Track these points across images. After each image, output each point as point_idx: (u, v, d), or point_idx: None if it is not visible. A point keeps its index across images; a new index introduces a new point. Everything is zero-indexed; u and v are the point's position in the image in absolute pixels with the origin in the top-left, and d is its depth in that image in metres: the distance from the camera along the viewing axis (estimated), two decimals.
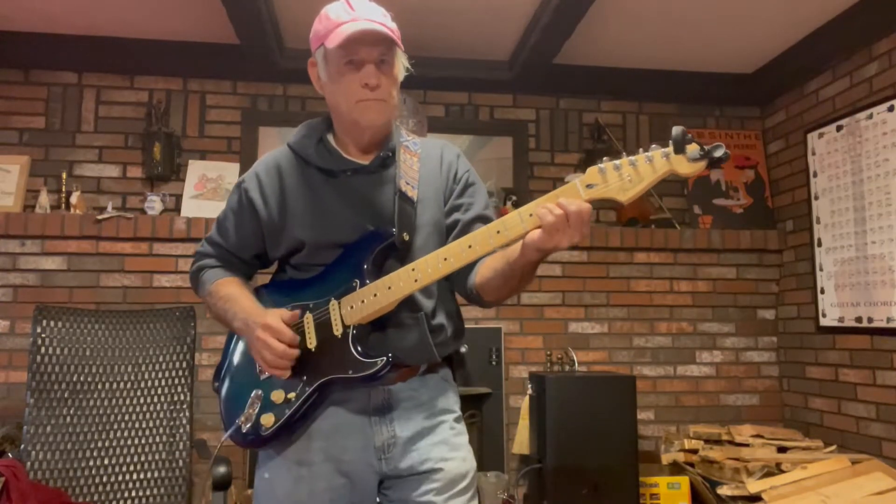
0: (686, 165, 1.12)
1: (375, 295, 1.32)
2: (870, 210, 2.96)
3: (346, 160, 1.45)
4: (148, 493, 2.42)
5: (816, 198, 3.28)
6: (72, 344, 2.53)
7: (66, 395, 2.46)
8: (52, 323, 2.52)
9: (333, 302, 1.36)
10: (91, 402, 2.48)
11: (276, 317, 1.34)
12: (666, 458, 3.12)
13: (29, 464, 2.34)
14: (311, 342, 1.37)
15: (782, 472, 2.72)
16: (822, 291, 3.22)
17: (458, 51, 3.25)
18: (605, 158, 1.18)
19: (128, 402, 2.52)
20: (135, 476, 2.43)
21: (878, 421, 2.91)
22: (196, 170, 3.30)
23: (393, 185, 1.42)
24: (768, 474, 2.71)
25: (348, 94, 1.37)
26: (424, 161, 1.48)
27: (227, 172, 3.32)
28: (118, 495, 2.40)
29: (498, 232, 1.24)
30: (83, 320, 2.59)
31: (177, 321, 2.65)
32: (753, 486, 2.63)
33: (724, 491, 2.72)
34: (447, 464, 1.38)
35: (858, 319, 3.01)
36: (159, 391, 2.55)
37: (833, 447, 3.00)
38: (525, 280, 1.31)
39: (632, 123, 3.70)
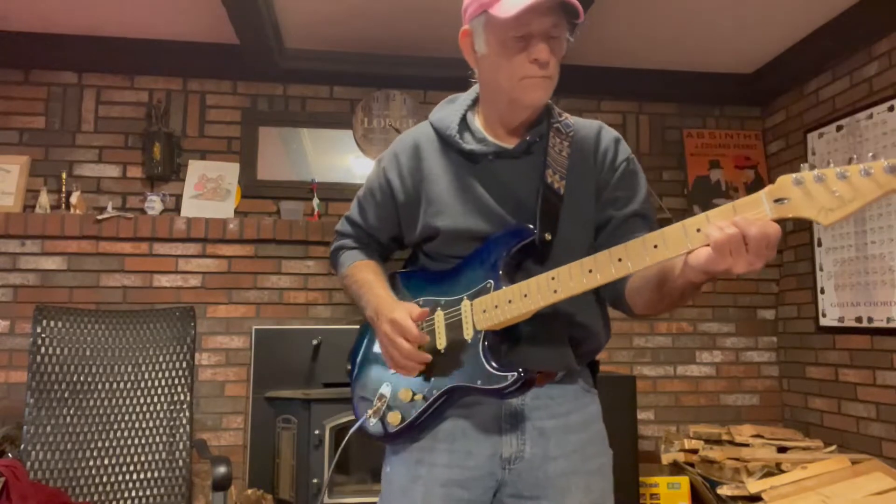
0: None
1: (510, 301, 1.20)
2: (870, 210, 2.96)
3: (489, 142, 1.33)
4: (148, 493, 2.42)
5: None
6: (72, 344, 2.53)
7: (66, 395, 2.46)
8: (52, 323, 2.52)
9: (466, 302, 1.26)
10: (91, 402, 2.48)
11: (405, 312, 1.26)
12: (666, 458, 3.12)
13: (29, 464, 2.34)
14: (441, 343, 1.28)
15: (782, 472, 2.72)
16: (822, 291, 3.22)
17: (459, 51, 3.25)
18: (803, 166, 0.94)
19: (128, 402, 2.52)
20: (135, 476, 2.43)
21: (878, 421, 2.91)
22: (196, 170, 3.30)
23: (538, 175, 1.29)
24: (768, 474, 2.71)
25: (513, 69, 1.24)
26: (577, 145, 1.34)
27: (227, 172, 3.32)
28: (118, 495, 2.40)
29: (655, 247, 1.06)
30: (83, 320, 2.59)
31: (177, 321, 2.65)
32: (753, 486, 2.63)
33: (724, 491, 2.72)
34: (570, 496, 1.27)
35: (858, 319, 3.01)
36: (159, 391, 2.55)
37: (833, 447, 3.00)
38: (685, 299, 1.14)
39: (632, 123, 3.70)
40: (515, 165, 1.32)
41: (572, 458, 1.30)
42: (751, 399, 3.54)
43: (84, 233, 3.09)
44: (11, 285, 3.11)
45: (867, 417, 2.97)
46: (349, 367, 1.46)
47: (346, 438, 1.39)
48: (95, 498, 2.37)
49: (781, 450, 2.98)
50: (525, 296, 1.19)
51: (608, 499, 1.33)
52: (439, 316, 1.30)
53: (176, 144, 3.32)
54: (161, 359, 2.59)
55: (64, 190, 3.16)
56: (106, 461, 2.43)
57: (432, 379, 1.28)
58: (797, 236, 3.44)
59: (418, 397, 1.29)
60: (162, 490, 2.43)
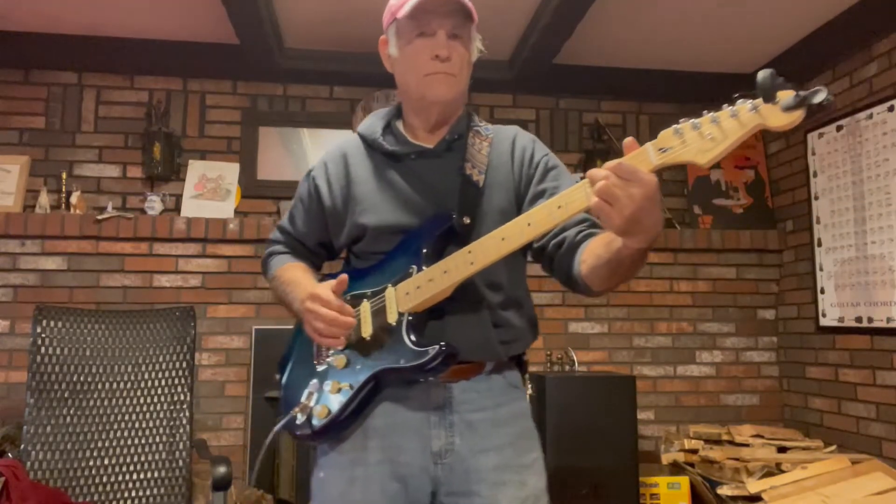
0: (779, 116, 0.92)
1: (431, 280, 1.24)
2: (870, 210, 2.96)
3: (410, 143, 1.41)
4: (148, 493, 2.42)
5: (816, 198, 3.28)
6: (72, 344, 2.53)
7: (66, 395, 2.46)
8: (52, 323, 2.52)
9: (390, 289, 1.30)
10: (91, 402, 2.48)
11: (325, 286, 1.30)
12: (666, 458, 3.12)
13: (29, 464, 2.34)
14: (367, 331, 1.30)
15: (782, 472, 2.72)
16: (822, 291, 3.22)
17: None
18: (681, 120, 1.02)
19: (128, 402, 2.52)
20: (135, 476, 2.43)
21: (878, 421, 2.91)
22: (196, 170, 3.30)
23: (457, 169, 1.36)
24: (768, 474, 2.71)
25: (417, 67, 1.33)
26: (496, 146, 1.41)
27: (227, 172, 3.32)
28: (118, 495, 2.40)
29: (559, 207, 1.12)
30: (83, 320, 2.58)
31: (177, 321, 2.65)
32: (753, 486, 2.63)
33: (724, 491, 2.72)
34: (503, 491, 1.28)
35: (858, 319, 3.01)
36: (159, 391, 2.55)
37: (833, 447, 3.00)
38: (637, 266, 1.18)
39: (632, 123, 3.70)
40: (436, 163, 1.39)
41: (504, 451, 1.31)
42: (751, 399, 3.54)
43: (84, 233, 3.09)
44: (11, 285, 3.11)
45: (867, 417, 2.97)
46: (277, 375, 1.47)
47: (270, 437, 1.33)
48: (95, 498, 2.37)
49: (781, 450, 2.98)
50: (445, 272, 1.23)
51: (542, 496, 1.33)
52: (365, 306, 1.33)
53: (176, 144, 3.32)
54: (161, 359, 2.59)
55: (64, 190, 3.16)
56: (106, 461, 2.43)
57: (358, 367, 1.30)
58: (797, 236, 3.44)
59: (345, 386, 1.30)
60: (162, 490, 2.43)
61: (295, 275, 1.46)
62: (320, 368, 1.36)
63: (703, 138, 0.99)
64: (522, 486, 1.30)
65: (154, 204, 3.20)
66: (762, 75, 0.92)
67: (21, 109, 3.28)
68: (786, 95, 0.91)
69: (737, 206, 3.60)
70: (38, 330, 2.49)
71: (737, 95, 0.97)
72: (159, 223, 3.14)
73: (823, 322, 3.22)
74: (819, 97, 0.89)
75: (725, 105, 0.98)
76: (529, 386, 1.48)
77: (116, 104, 3.35)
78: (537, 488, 1.33)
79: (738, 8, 2.83)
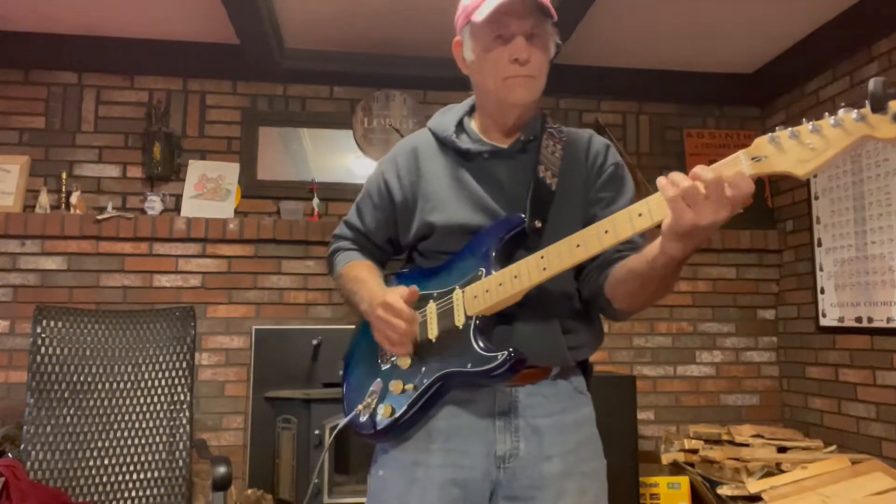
0: (889, 128, 0.90)
1: (501, 284, 1.22)
2: (870, 210, 2.96)
3: (484, 142, 1.38)
4: (148, 493, 2.42)
5: (816, 198, 3.28)
6: (72, 344, 2.53)
7: (66, 395, 2.46)
8: (52, 323, 2.52)
9: (457, 291, 1.28)
10: (91, 402, 2.48)
11: (396, 294, 1.28)
12: (666, 458, 3.12)
13: (29, 464, 2.34)
14: (433, 332, 1.29)
15: (782, 472, 2.72)
16: (822, 291, 3.22)
17: None
18: (777, 127, 0.97)
19: (128, 402, 2.52)
20: (135, 476, 2.43)
21: (878, 421, 2.91)
22: (196, 170, 3.30)
23: (531, 171, 1.33)
24: (768, 474, 2.71)
25: (496, 71, 1.30)
26: (569, 149, 1.38)
27: (227, 172, 3.32)
28: (118, 495, 2.40)
29: (640, 215, 1.07)
30: (83, 320, 2.59)
31: (177, 321, 2.65)
32: (753, 486, 2.63)
33: (724, 491, 2.72)
34: (564, 499, 1.27)
35: (858, 319, 3.01)
36: (159, 391, 2.55)
37: (833, 447, 3.00)
38: (666, 284, 1.15)
39: (632, 123, 3.70)
40: (509, 164, 1.37)
41: (567, 458, 1.30)
42: (751, 399, 3.54)
43: (84, 233, 3.09)
44: (11, 285, 3.11)
45: (867, 417, 2.97)
46: (341, 372, 1.47)
47: (333, 435, 1.38)
48: (95, 498, 2.37)
49: (781, 450, 2.98)
50: (515, 277, 1.21)
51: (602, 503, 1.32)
52: (431, 307, 1.31)
53: (176, 144, 3.32)
54: (161, 359, 2.59)
55: (64, 190, 3.16)
56: (106, 461, 2.43)
57: (423, 369, 1.29)
58: (797, 236, 3.44)
59: (410, 387, 1.28)
60: (162, 490, 2.43)
61: (361, 274, 1.44)
62: (384, 368, 1.35)
63: (803, 147, 0.94)
64: (583, 495, 1.29)
65: (154, 204, 3.20)
66: (874, 83, 0.89)
67: (21, 109, 3.27)
68: None
69: None
70: (38, 330, 2.49)
71: (842, 104, 0.94)
72: (159, 223, 3.14)
73: (823, 322, 3.22)
74: None
75: (826, 114, 0.95)
76: None
77: (116, 104, 3.35)
78: (597, 497, 1.32)
79: (738, 8, 2.83)
